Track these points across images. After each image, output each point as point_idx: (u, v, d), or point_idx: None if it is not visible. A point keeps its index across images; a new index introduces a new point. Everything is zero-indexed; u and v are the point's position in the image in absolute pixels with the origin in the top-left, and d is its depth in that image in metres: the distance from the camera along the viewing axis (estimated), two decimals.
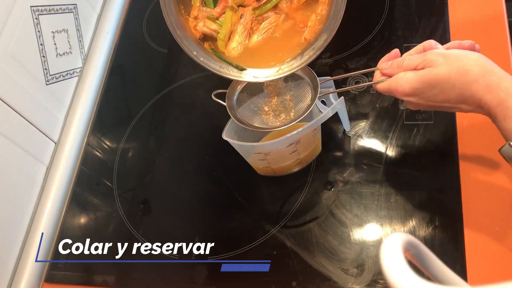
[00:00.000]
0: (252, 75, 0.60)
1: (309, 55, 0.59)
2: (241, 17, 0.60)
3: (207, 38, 0.61)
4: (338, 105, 0.60)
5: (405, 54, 0.53)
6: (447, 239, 0.58)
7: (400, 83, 0.50)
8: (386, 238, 0.30)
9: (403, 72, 0.51)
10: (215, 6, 0.60)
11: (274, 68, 0.60)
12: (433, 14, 0.76)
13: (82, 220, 0.76)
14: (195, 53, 0.58)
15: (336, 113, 0.62)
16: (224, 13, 0.60)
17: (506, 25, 0.71)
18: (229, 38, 0.60)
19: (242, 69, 0.60)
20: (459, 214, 0.59)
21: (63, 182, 0.79)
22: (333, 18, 0.57)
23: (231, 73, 0.59)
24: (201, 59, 0.58)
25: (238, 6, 0.60)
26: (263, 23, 0.61)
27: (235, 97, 0.62)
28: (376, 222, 0.62)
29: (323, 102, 0.65)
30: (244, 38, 0.60)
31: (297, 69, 0.58)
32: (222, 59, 0.60)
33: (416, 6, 0.79)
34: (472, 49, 0.50)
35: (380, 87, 0.54)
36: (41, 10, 0.77)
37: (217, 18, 0.60)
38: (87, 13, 0.91)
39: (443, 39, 0.72)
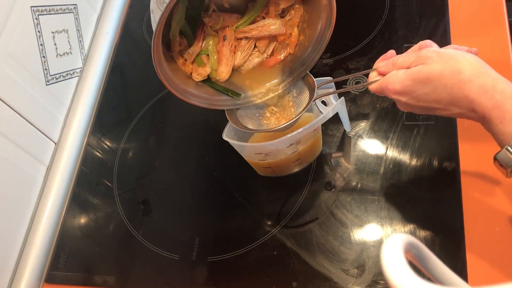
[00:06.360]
0: (247, 99, 0.60)
1: (299, 71, 0.59)
2: (224, 39, 0.60)
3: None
4: (338, 105, 0.60)
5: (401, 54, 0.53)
6: (447, 240, 0.58)
7: (391, 81, 0.49)
8: (387, 238, 0.30)
9: (395, 70, 0.50)
10: (194, 34, 0.59)
11: (267, 87, 0.61)
12: (433, 14, 0.76)
13: (82, 220, 0.76)
14: (195, 101, 0.59)
15: (337, 113, 0.62)
16: (204, 39, 0.60)
17: (506, 25, 0.71)
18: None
19: (237, 95, 0.60)
20: (460, 214, 0.59)
21: (63, 182, 0.79)
22: (321, 36, 0.57)
23: (228, 104, 0.60)
24: (201, 101, 0.59)
25: (215, 30, 0.60)
26: (243, 40, 0.61)
27: None
28: (377, 223, 0.61)
29: (323, 102, 0.65)
30: (231, 58, 0.60)
31: (289, 86, 0.59)
32: (217, 90, 0.60)
33: (416, 6, 0.79)
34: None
35: (372, 87, 0.53)
36: (41, 10, 0.77)
37: (201, 50, 0.60)
38: (87, 13, 0.91)
39: (444, 39, 0.72)
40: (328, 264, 0.60)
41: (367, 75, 0.55)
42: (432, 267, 0.32)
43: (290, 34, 0.60)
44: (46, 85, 0.78)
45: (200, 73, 0.59)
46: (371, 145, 0.68)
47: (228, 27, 0.60)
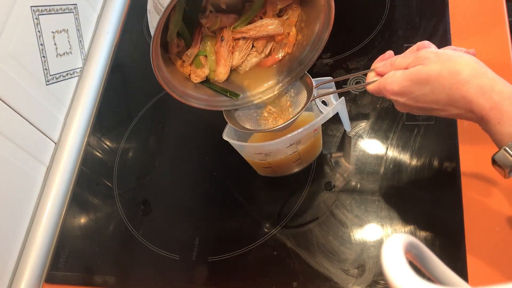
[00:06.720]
0: (246, 99, 0.60)
1: (297, 71, 0.59)
2: (222, 40, 0.59)
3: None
4: (338, 105, 0.60)
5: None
6: (447, 240, 0.58)
7: (389, 81, 0.49)
8: (387, 238, 0.30)
9: (393, 71, 0.49)
10: (191, 36, 0.59)
11: (265, 87, 0.60)
12: (433, 14, 0.76)
13: (82, 220, 0.76)
14: (194, 102, 0.59)
15: (337, 113, 0.62)
16: (201, 40, 0.60)
17: (506, 25, 0.71)
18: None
19: (236, 96, 0.60)
20: (460, 214, 0.59)
21: (63, 182, 0.79)
22: (320, 35, 0.57)
23: (227, 104, 0.60)
24: (200, 103, 0.59)
25: (213, 31, 0.60)
26: (241, 41, 0.61)
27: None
28: (377, 223, 0.61)
29: (323, 102, 0.65)
30: (229, 59, 0.60)
31: (287, 86, 0.59)
32: (216, 91, 0.60)
33: (416, 6, 0.79)
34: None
35: (370, 88, 0.52)
36: (41, 10, 0.77)
37: (199, 51, 0.60)
38: (87, 13, 0.91)
39: (444, 39, 0.72)
40: (328, 264, 0.60)
41: (365, 75, 0.55)
42: (432, 267, 0.32)
43: (288, 33, 0.60)
44: (46, 85, 0.78)
45: (198, 75, 0.59)
46: (371, 145, 0.68)
47: (226, 27, 0.59)
